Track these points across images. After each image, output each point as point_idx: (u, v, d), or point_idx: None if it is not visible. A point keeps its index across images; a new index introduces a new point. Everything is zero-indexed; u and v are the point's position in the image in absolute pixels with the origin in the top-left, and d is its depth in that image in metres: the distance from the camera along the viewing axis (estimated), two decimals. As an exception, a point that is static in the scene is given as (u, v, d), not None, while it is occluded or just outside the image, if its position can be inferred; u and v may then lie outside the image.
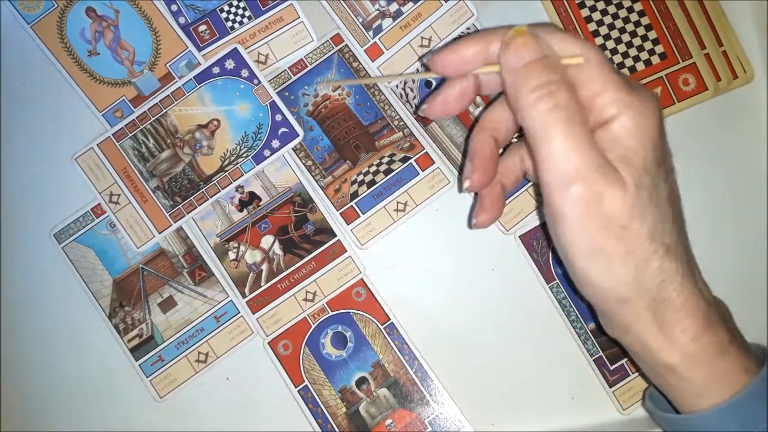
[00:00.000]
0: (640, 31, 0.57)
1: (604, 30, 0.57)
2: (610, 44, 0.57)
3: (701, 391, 0.40)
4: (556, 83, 0.37)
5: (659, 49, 0.57)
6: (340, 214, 0.57)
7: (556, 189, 0.38)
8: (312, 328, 0.57)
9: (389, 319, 0.56)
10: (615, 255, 0.38)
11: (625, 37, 0.57)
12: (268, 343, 0.57)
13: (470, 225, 0.47)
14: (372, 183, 0.57)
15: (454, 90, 0.44)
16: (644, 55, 0.57)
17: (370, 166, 0.57)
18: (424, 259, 0.58)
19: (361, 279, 0.57)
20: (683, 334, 0.39)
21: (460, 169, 0.57)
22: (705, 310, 0.40)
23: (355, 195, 0.57)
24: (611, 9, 0.57)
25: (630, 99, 0.38)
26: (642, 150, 0.38)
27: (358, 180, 0.57)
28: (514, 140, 0.53)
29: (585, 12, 0.57)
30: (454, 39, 0.41)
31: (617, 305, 0.40)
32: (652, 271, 0.38)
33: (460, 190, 0.46)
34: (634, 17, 0.57)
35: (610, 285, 0.39)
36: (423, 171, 0.57)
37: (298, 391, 0.56)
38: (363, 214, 0.57)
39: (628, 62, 0.57)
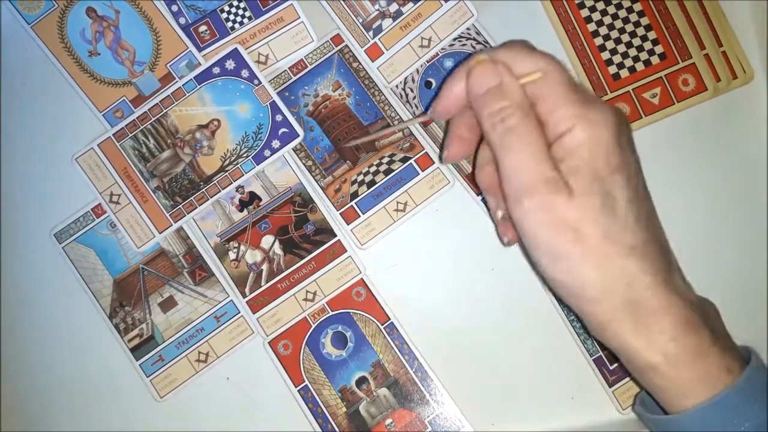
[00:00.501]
0: (640, 31, 0.57)
1: (604, 30, 0.57)
2: (610, 44, 0.57)
3: (684, 391, 0.41)
4: (510, 108, 0.41)
5: (659, 49, 0.57)
6: (340, 214, 0.57)
7: (512, 202, 0.41)
8: (312, 328, 0.57)
9: (389, 319, 0.56)
10: (573, 256, 0.40)
11: (625, 37, 0.57)
12: (268, 343, 0.57)
13: (504, 243, 0.49)
14: (372, 183, 0.57)
15: (461, 127, 0.48)
16: (644, 55, 0.57)
17: (370, 167, 0.57)
18: (424, 259, 0.58)
19: (361, 279, 0.57)
20: (661, 334, 0.41)
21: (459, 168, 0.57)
22: (683, 310, 0.41)
23: (355, 195, 0.57)
24: (611, 9, 0.57)
25: (583, 112, 0.40)
26: (593, 160, 0.40)
27: (358, 180, 0.57)
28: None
29: (585, 12, 0.57)
30: (443, 82, 0.45)
31: (589, 305, 0.42)
32: (615, 271, 0.40)
33: (496, 220, 0.49)
34: (634, 17, 0.57)
35: (575, 285, 0.42)
36: (423, 171, 0.57)
37: (298, 390, 0.56)
38: (363, 214, 0.57)
39: (628, 62, 0.57)
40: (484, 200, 0.56)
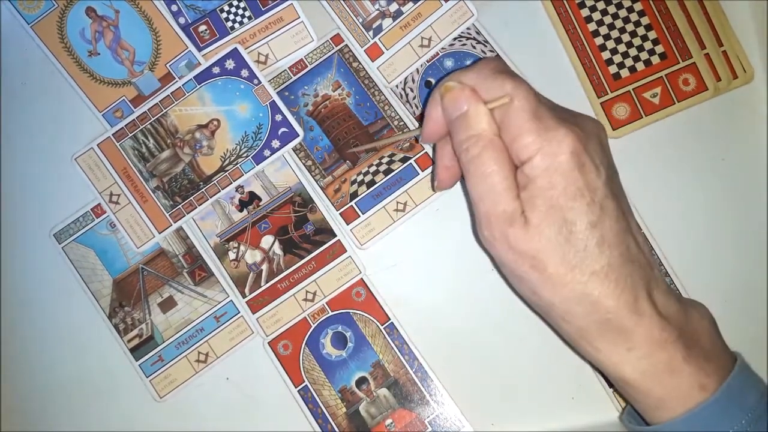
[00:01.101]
0: (640, 31, 0.57)
1: (604, 30, 0.57)
2: (610, 44, 0.57)
3: (657, 404, 0.43)
4: (473, 137, 0.43)
5: (659, 49, 0.57)
6: (339, 214, 0.57)
7: (477, 228, 0.44)
8: (312, 328, 0.57)
9: (389, 319, 0.56)
10: (533, 281, 0.42)
11: (625, 37, 0.57)
12: (268, 343, 0.57)
13: (433, 187, 0.50)
14: (372, 183, 0.57)
15: (444, 155, 0.49)
16: (644, 55, 0.57)
17: (369, 166, 0.57)
18: (424, 259, 0.58)
19: (361, 279, 0.57)
20: (630, 352, 0.42)
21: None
22: (653, 328, 0.41)
23: (354, 195, 0.57)
24: (611, 9, 0.57)
25: (541, 143, 0.41)
26: (550, 189, 0.41)
27: (358, 180, 0.57)
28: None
29: (585, 12, 0.57)
30: (425, 109, 0.46)
31: (557, 322, 0.44)
32: (574, 296, 0.41)
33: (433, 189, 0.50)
34: (634, 17, 0.57)
35: (541, 304, 0.43)
36: (423, 171, 0.57)
37: (298, 391, 0.56)
38: (363, 214, 0.57)
39: (628, 62, 0.57)
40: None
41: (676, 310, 0.43)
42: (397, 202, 0.57)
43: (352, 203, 0.57)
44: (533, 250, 0.41)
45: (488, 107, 0.43)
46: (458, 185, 0.57)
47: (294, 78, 0.58)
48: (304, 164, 0.57)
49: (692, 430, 0.41)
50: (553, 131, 0.41)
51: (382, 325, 0.56)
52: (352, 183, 0.57)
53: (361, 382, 0.56)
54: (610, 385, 0.55)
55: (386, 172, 0.57)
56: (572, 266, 0.41)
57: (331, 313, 0.57)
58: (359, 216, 0.57)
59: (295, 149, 0.57)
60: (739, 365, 0.43)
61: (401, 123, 0.57)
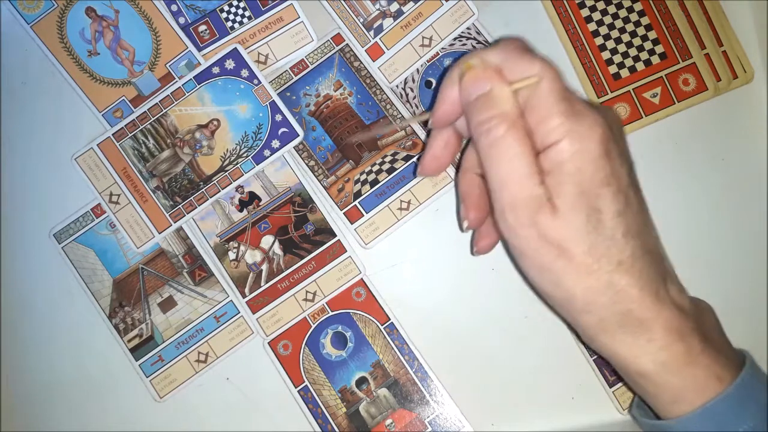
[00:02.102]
0: (640, 31, 0.57)
1: (604, 30, 0.57)
2: (610, 44, 0.57)
3: (674, 398, 0.42)
4: (496, 118, 0.40)
5: (659, 49, 0.57)
6: (343, 213, 0.57)
7: (498, 215, 0.41)
8: (312, 328, 0.57)
9: (389, 319, 0.56)
10: (557, 271, 0.40)
11: (625, 37, 0.57)
12: (268, 343, 0.57)
13: (472, 252, 0.49)
14: (375, 182, 0.57)
15: (437, 142, 0.48)
16: (644, 55, 0.57)
17: (372, 165, 0.57)
18: (425, 259, 0.58)
19: (361, 279, 0.57)
20: (650, 343, 0.41)
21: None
22: (673, 320, 0.41)
23: (358, 194, 0.57)
24: (611, 9, 0.57)
25: (570, 125, 0.39)
26: (579, 173, 0.39)
27: (361, 179, 0.57)
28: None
29: (585, 12, 0.57)
30: (439, 89, 0.44)
31: (577, 315, 0.42)
32: (600, 285, 0.40)
33: (462, 229, 0.49)
34: (634, 17, 0.57)
35: (561, 296, 0.41)
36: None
37: (298, 391, 0.56)
38: (366, 213, 0.57)
39: (628, 62, 0.57)
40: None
41: (689, 303, 0.43)
42: (401, 201, 0.57)
43: (356, 202, 0.57)
44: (561, 238, 0.39)
45: (513, 88, 0.40)
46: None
47: (295, 78, 0.58)
48: (306, 164, 0.57)
49: (711, 423, 0.41)
50: (582, 116, 0.40)
51: (382, 325, 0.56)
52: (356, 182, 0.57)
53: (361, 382, 0.56)
54: (610, 385, 0.55)
55: (389, 171, 0.57)
56: (599, 255, 0.40)
57: (331, 313, 0.57)
58: (363, 215, 0.57)
59: (297, 149, 0.57)
60: (749, 360, 0.43)
61: (403, 122, 0.57)
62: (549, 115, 0.40)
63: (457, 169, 0.50)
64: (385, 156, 0.57)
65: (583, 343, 0.55)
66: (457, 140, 0.48)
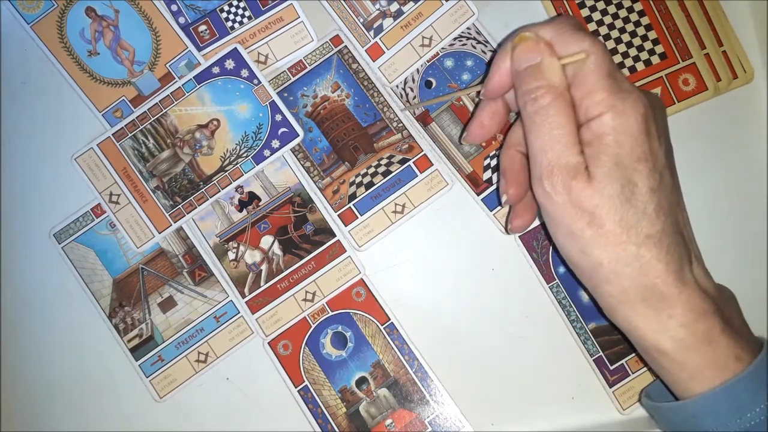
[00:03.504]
0: (640, 31, 0.57)
1: (604, 30, 0.57)
2: (610, 44, 0.57)
3: (692, 375, 0.42)
4: (543, 87, 0.42)
5: (659, 49, 0.57)
6: (338, 215, 0.57)
7: (535, 180, 0.43)
8: (312, 328, 0.57)
9: (389, 319, 0.56)
10: (587, 238, 0.42)
11: (625, 37, 0.57)
12: (268, 343, 0.57)
13: (506, 230, 0.50)
14: (370, 185, 0.57)
15: (485, 112, 0.50)
16: (644, 55, 0.57)
17: (368, 168, 0.57)
18: (425, 259, 0.58)
19: (361, 279, 0.57)
20: (671, 319, 0.42)
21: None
22: (695, 298, 0.42)
23: (353, 196, 0.57)
24: (611, 9, 0.57)
25: (614, 101, 0.41)
26: (618, 146, 0.41)
27: (357, 181, 0.57)
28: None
29: (585, 12, 0.57)
30: (492, 60, 0.46)
31: (601, 286, 0.43)
32: (627, 256, 0.41)
33: (500, 204, 0.49)
34: (634, 17, 0.57)
35: (587, 264, 0.43)
36: (421, 173, 0.57)
37: (298, 391, 0.56)
38: (361, 215, 0.57)
39: (628, 62, 0.57)
40: (484, 199, 0.57)
41: (713, 287, 0.44)
42: (396, 204, 0.57)
43: (351, 205, 0.57)
44: (593, 205, 0.41)
45: (562, 62, 0.43)
46: (457, 186, 0.57)
47: (293, 79, 0.58)
48: (302, 165, 0.57)
49: (729, 401, 0.41)
50: (626, 93, 0.42)
51: (382, 325, 0.56)
52: (351, 184, 0.57)
53: (361, 382, 0.56)
54: (610, 385, 0.55)
55: (385, 174, 0.57)
56: (629, 226, 0.41)
57: (331, 313, 0.57)
58: (357, 217, 0.57)
59: (293, 150, 0.57)
60: (766, 342, 0.44)
61: (400, 124, 0.57)
62: (594, 90, 0.42)
63: (502, 143, 0.52)
64: (381, 159, 0.57)
65: (586, 339, 0.55)
66: (505, 112, 0.50)
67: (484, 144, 0.57)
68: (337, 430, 0.56)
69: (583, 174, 0.41)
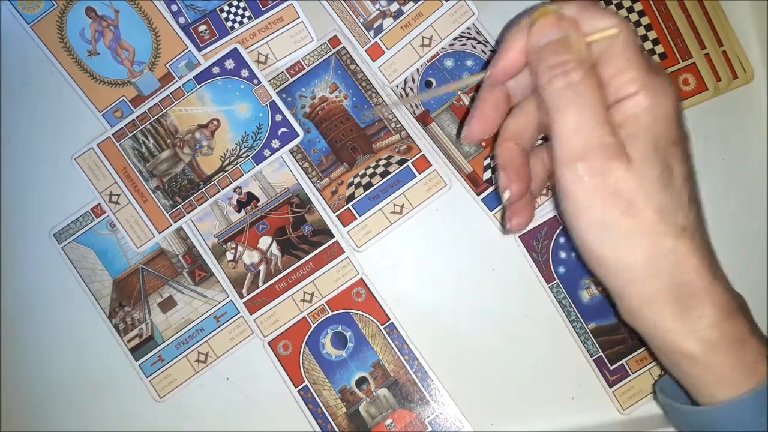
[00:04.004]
0: (640, 31, 0.57)
1: (604, 30, 0.57)
2: (610, 44, 0.57)
3: (720, 380, 0.40)
4: (573, 62, 0.39)
5: (659, 49, 0.57)
6: (336, 216, 0.57)
7: (564, 164, 0.39)
8: (312, 328, 0.57)
9: (389, 319, 0.56)
10: (622, 229, 0.38)
11: (625, 37, 0.57)
12: (268, 343, 0.57)
13: (504, 230, 0.47)
14: (369, 185, 0.57)
15: (487, 104, 0.46)
16: (644, 55, 0.57)
17: (366, 169, 0.57)
18: (425, 259, 0.58)
19: (361, 279, 0.57)
20: (701, 319, 0.39)
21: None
22: (724, 297, 0.39)
23: (351, 197, 0.57)
24: (611, 9, 0.57)
25: (648, 79, 0.39)
26: (655, 127, 0.38)
27: (355, 182, 0.57)
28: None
29: (585, 12, 0.57)
30: (503, 38, 0.42)
31: (628, 284, 0.40)
32: (664, 250, 0.38)
33: (502, 201, 0.46)
34: (634, 17, 0.57)
35: (619, 261, 0.39)
36: (420, 174, 0.57)
37: (298, 391, 0.56)
38: (359, 216, 0.57)
39: (628, 62, 0.57)
40: (484, 199, 0.57)
41: (730, 283, 0.41)
42: (394, 205, 0.57)
43: (349, 205, 0.57)
44: (632, 191, 0.38)
45: (591, 39, 0.40)
46: (456, 186, 0.57)
47: (291, 80, 0.58)
48: (301, 166, 0.57)
49: (759, 408, 0.39)
50: (657, 73, 0.40)
51: (382, 325, 0.56)
52: (349, 185, 0.57)
53: (361, 382, 0.56)
54: (610, 385, 0.55)
55: (383, 175, 0.57)
56: (666, 215, 0.38)
57: (331, 313, 0.57)
58: (356, 218, 0.57)
59: (292, 151, 0.57)
60: None
61: (398, 125, 0.57)
62: (626, 68, 0.39)
63: (495, 138, 0.48)
64: (380, 159, 0.57)
65: (585, 339, 0.55)
66: (507, 103, 0.46)
67: (483, 144, 0.57)
68: (337, 430, 0.56)
69: (621, 156, 0.38)
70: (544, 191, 0.57)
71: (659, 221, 0.38)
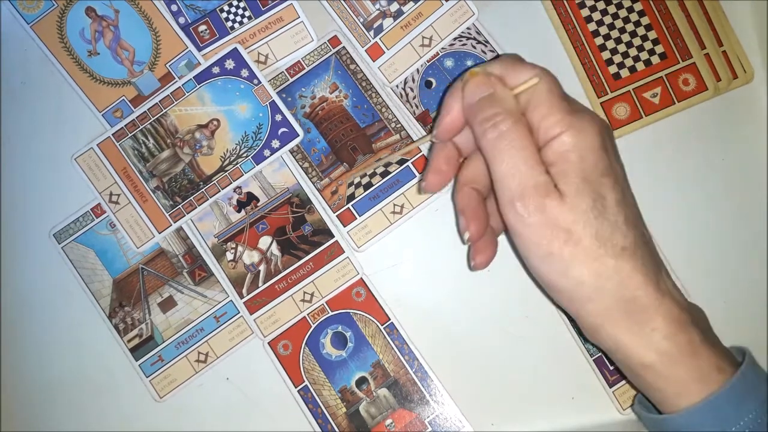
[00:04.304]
0: (640, 31, 0.57)
1: (604, 30, 0.57)
2: (610, 44, 0.57)
3: (678, 390, 0.42)
4: (501, 114, 0.43)
5: (659, 49, 0.57)
6: (336, 216, 0.57)
7: (505, 205, 0.43)
8: (312, 328, 0.57)
9: (389, 319, 0.56)
10: (565, 257, 0.42)
11: (625, 37, 0.57)
12: (268, 343, 0.57)
13: (470, 267, 0.50)
14: (369, 185, 0.57)
15: (439, 159, 0.49)
16: (644, 55, 0.57)
17: (366, 169, 0.57)
18: (425, 259, 0.58)
19: (361, 279, 0.57)
20: (654, 332, 0.42)
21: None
22: (674, 309, 0.42)
23: (351, 197, 0.57)
24: (611, 9, 0.57)
25: (571, 120, 0.42)
26: (582, 162, 0.42)
27: (355, 182, 0.57)
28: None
29: (585, 12, 0.57)
30: (441, 103, 0.47)
31: (583, 306, 0.43)
32: (607, 270, 0.41)
33: (463, 242, 0.49)
34: (634, 17, 0.57)
35: (568, 285, 0.43)
36: (420, 174, 0.57)
37: (298, 391, 0.56)
38: (359, 216, 0.57)
39: (628, 62, 0.57)
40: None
41: (683, 299, 0.44)
42: (394, 205, 0.57)
43: (349, 205, 0.57)
44: (569, 221, 0.41)
45: (515, 92, 0.44)
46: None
47: (291, 80, 0.58)
48: (301, 166, 0.57)
49: (716, 414, 0.41)
50: (580, 112, 0.43)
51: (382, 325, 0.56)
52: (349, 185, 0.57)
53: (361, 382, 0.56)
54: (610, 385, 0.55)
55: (383, 175, 0.57)
56: (605, 240, 0.41)
57: (331, 313, 0.57)
58: (356, 218, 0.57)
59: (292, 151, 0.57)
60: (748, 354, 0.44)
61: (398, 125, 0.57)
62: (550, 112, 0.42)
63: (454, 184, 0.52)
64: (380, 159, 0.57)
65: (585, 340, 0.55)
66: (458, 156, 0.50)
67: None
68: (337, 430, 0.56)
69: (554, 191, 0.41)
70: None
71: (599, 246, 0.41)
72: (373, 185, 0.57)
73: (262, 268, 0.57)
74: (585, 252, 0.41)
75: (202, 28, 0.58)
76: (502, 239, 0.57)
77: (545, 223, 0.41)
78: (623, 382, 0.55)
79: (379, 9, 0.58)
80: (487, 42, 0.58)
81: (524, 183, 0.42)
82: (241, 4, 0.58)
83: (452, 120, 0.47)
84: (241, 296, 0.57)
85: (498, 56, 0.47)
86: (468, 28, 0.58)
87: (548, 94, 0.43)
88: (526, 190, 0.41)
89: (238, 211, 0.58)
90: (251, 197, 0.58)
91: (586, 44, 0.57)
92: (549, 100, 0.43)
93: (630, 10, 0.57)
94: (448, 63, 0.58)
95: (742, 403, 0.41)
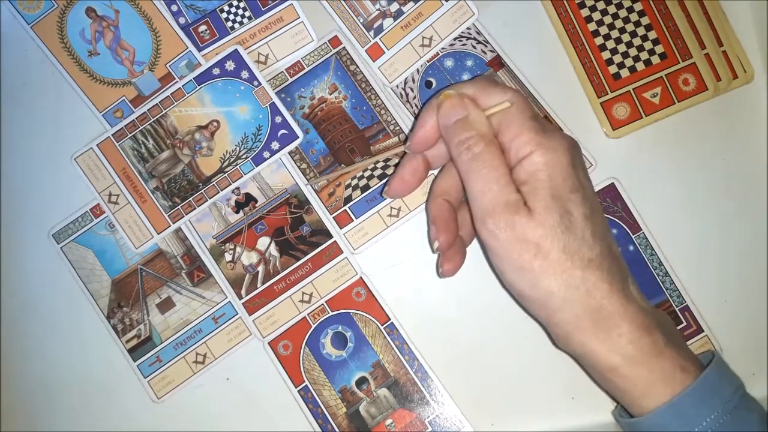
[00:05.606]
0: (640, 31, 0.57)
1: (604, 30, 0.57)
2: (610, 44, 0.57)
3: (644, 391, 0.44)
4: (474, 138, 0.45)
5: (659, 49, 0.57)
6: (333, 218, 0.57)
7: (478, 222, 0.45)
8: (312, 329, 0.57)
9: (389, 319, 0.56)
10: (535, 269, 0.44)
11: (625, 37, 0.57)
12: (268, 343, 0.57)
13: (438, 274, 0.51)
14: (366, 188, 0.57)
15: (406, 169, 0.52)
16: (644, 55, 0.57)
17: (364, 171, 0.57)
18: (425, 259, 0.58)
19: (361, 279, 0.57)
20: (620, 337, 0.44)
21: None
22: (638, 314, 0.44)
23: (348, 199, 0.57)
24: (611, 9, 0.57)
25: (540, 139, 0.44)
26: (550, 181, 0.44)
27: (353, 184, 0.57)
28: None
29: (585, 12, 0.57)
30: (416, 118, 0.48)
31: (553, 315, 0.45)
32: (574, 281, 0.44)
33: (433, 251, 0.51)
34: (634, 17, 0.57)
35: (539, 296, 0.45)
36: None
37: (298, 391, 0.56)
38: (356, 218, 0.57)
39: (628, 62, 0.57)
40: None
41: (648, 305, 0.46)
42: (391, 208, 0.57)
43: (346, 207, 0.57)
44: (537, 236, 0.43)
45: (488, 113, 0.46)
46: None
47: (291, 80, 0.58)
48: (299, 167, 0.57)
49: (679, 415, 0.43)
50: (550, 132, 0.45)
51: (382, 325, 0.56)
52: (347, 187, 0.57)
53: (361, 382, 0.56)
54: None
55: (380, 177, 0.57)
56: (572, 253, 0.43)
57: (331, 314, 0.57)
58: (353, 220, 0.57)
59: (290, 152, 0.57)
60: (717, 356, 0.46)
61: (397, 127, 0.57)
62: (521, 132, 0.45)
63: (428, 195, 0.53)
64: (377, 162, 0.57)
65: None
66: (425, 169, 0.52)
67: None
68: (337, 430, 0.56)
69: (523, 209, 0.43)
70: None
71: (566, 258, 0.43)
72: (370, 187, 0.57)
73: (260, 268, 0.57)
74: (554, 265, 0.43)
75: (203, 28, 0.58)
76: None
77: (515, 238, 0.44)
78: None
79: (379, 9, 0.58)
80: (487, 42, 0.58)
81: (495, 201, 0.44)
82: (241, 5, 0.58)
83: (425, 134, 0.49)
84: (240, 297, 0.57)
85: (472, 78, 0.50)
86: (468, 28, 0.58)
87: (519, 115, 0.45)
88: (497, 207, 0.44)
89: (237, 212, 0.58)
90: (249, 198, 0.58)
91: (586, 44, 0.57)
92: (520, 121, 0.45)
93: (630, 10, 0.57)
94: (448, 63, 0.58)
95: (704, 404, 0.43)
